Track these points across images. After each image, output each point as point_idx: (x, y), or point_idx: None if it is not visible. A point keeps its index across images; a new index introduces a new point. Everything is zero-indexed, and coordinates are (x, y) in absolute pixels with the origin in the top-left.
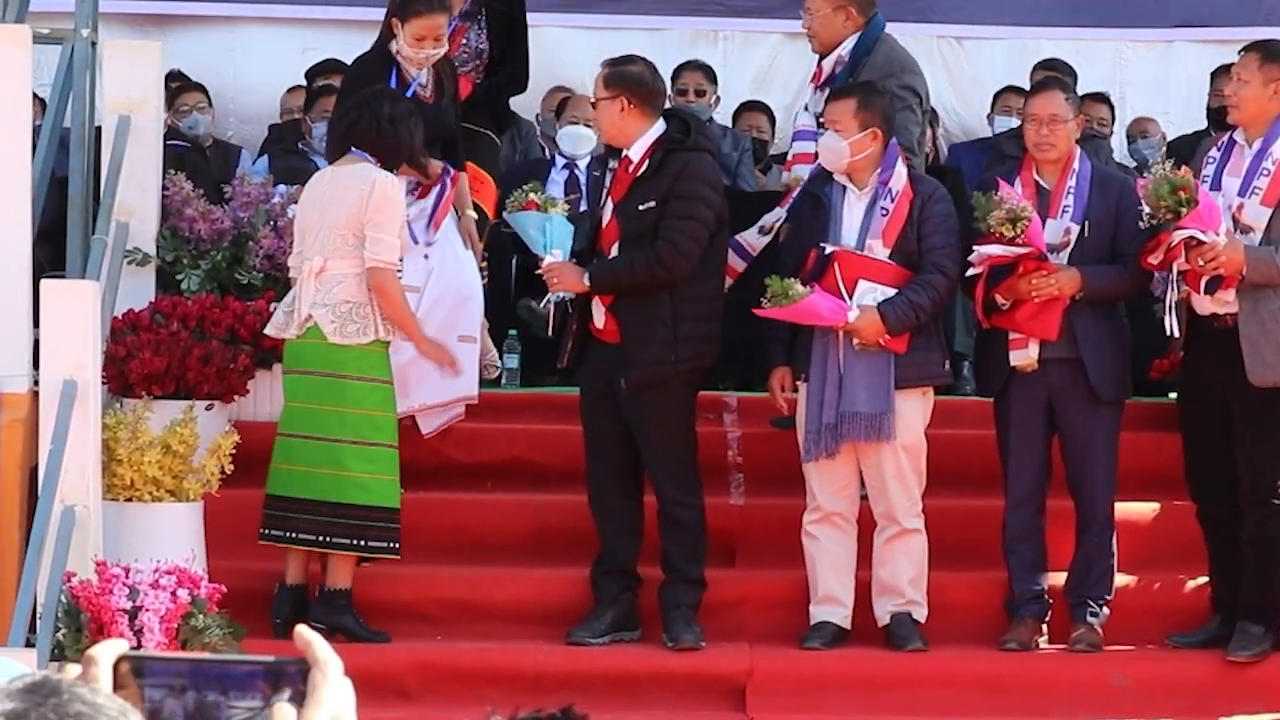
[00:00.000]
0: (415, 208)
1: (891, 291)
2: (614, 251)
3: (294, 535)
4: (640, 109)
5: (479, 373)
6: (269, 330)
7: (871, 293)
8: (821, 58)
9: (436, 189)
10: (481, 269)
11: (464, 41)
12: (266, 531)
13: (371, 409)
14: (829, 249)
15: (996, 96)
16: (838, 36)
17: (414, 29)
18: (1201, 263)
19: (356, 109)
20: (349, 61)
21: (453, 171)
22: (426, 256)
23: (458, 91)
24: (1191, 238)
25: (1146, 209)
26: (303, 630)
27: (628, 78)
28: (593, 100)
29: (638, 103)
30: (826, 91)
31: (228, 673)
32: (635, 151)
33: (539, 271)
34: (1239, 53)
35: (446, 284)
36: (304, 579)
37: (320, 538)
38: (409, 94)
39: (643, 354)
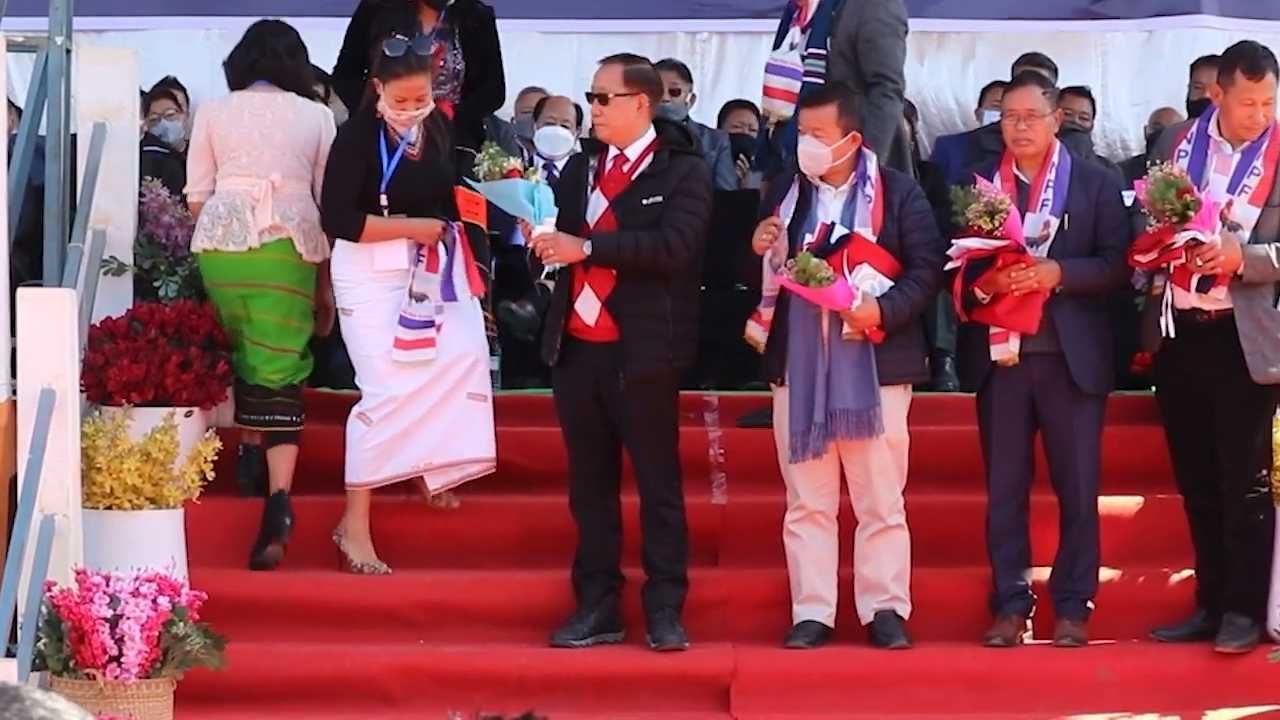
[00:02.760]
0: (424, 278)
1: (886, 280)
2: None
3: (271, 418)
4: (650, 108)
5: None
6: (203, 245)
7: (872, 279)
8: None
9: (444, 250)
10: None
11: (441, 63)
12: (246, 416)
13: (305, 323)
14: (842, 230)
15: (984, 91)
16: None
17: (394, 91)
18: (1200, 262)
19: (257, 46)
20: (322, 66)
21: (456, 225)
22: (436, 323)
23: (453, 147)
24: (1193, 238)
25: (1148, 213)
26: None
27: (647, 76)
28: (600, 94)
29: (651, 103)
30: (809, 31)
31: None
32: (633, 151)
33: (530, 244)
34: (1251, 77)
35: (461, 347)
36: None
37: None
38: (397, 154)
39: (645, 350)
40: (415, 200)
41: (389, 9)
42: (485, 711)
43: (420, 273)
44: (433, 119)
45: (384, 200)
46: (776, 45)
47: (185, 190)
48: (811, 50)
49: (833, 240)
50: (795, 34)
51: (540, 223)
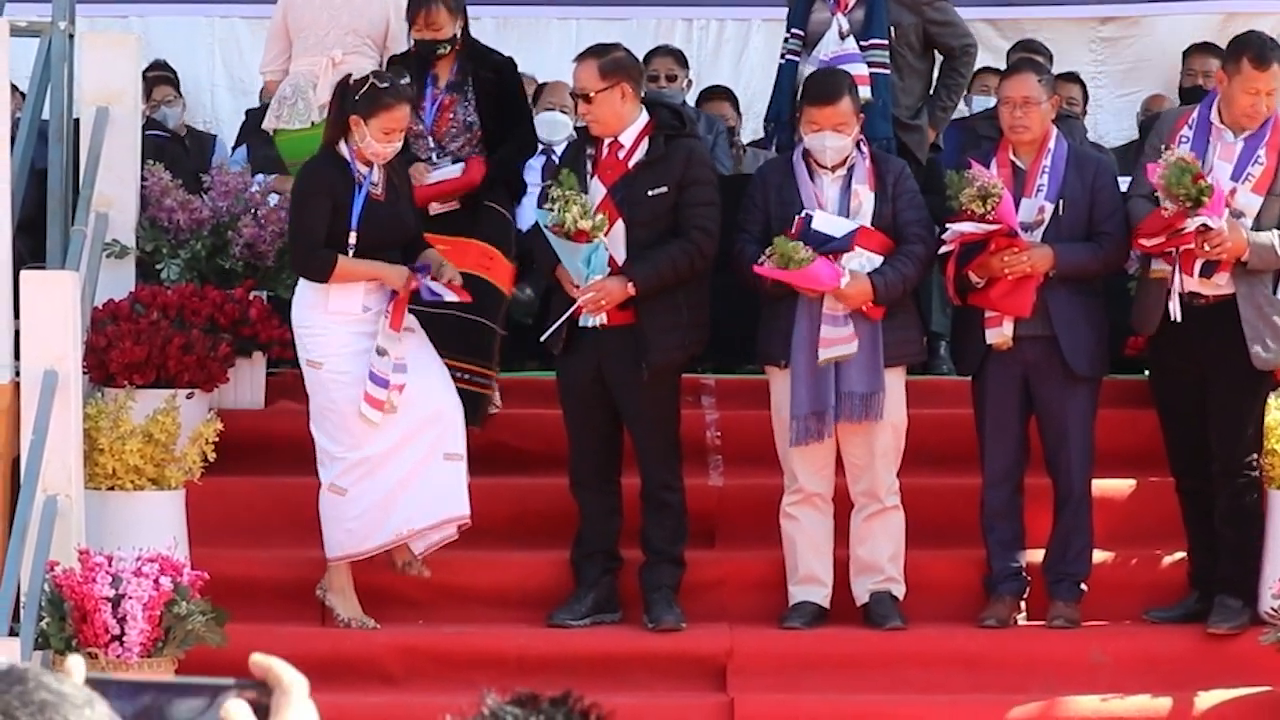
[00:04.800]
0: (387, 336)
1: (878, 258)
2: (616, 232)
3: None
4: (635, 94)
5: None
6: (271, 124)
7: (857, 258)
8: None
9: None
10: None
11: (451, 116)
12: None
13: None
14: (848, 225)
15: (973, 77)
16: None
17: (382, 123)
18: (1208, 248)
19: None
20: None
21: (427, 267)
22: (392, 383)
23: (413, 191)
24: (1203, 224)
25: (1162, 197)
26: (258, 658)
27: (624, 65)
28: (583, 93)
29: (634, 88)
30: (848, 17)
31: (183, 690)
32: (628, 137)
33: (579, 300)
34: (1258, 68)
35: (435, 403)
36: None
37: None
38: (361, 194)
39: (664, 340)
40: (381, 240)
41: (404, 62)
42: (520, 689)
43: (384, 329)
44: (392, 164)
45: (352, 239)
46: (794, 26)
47: (260, 69)
48: (873, 41)
49: (839, 234)
50: (842, 21)
51: (586, 281)
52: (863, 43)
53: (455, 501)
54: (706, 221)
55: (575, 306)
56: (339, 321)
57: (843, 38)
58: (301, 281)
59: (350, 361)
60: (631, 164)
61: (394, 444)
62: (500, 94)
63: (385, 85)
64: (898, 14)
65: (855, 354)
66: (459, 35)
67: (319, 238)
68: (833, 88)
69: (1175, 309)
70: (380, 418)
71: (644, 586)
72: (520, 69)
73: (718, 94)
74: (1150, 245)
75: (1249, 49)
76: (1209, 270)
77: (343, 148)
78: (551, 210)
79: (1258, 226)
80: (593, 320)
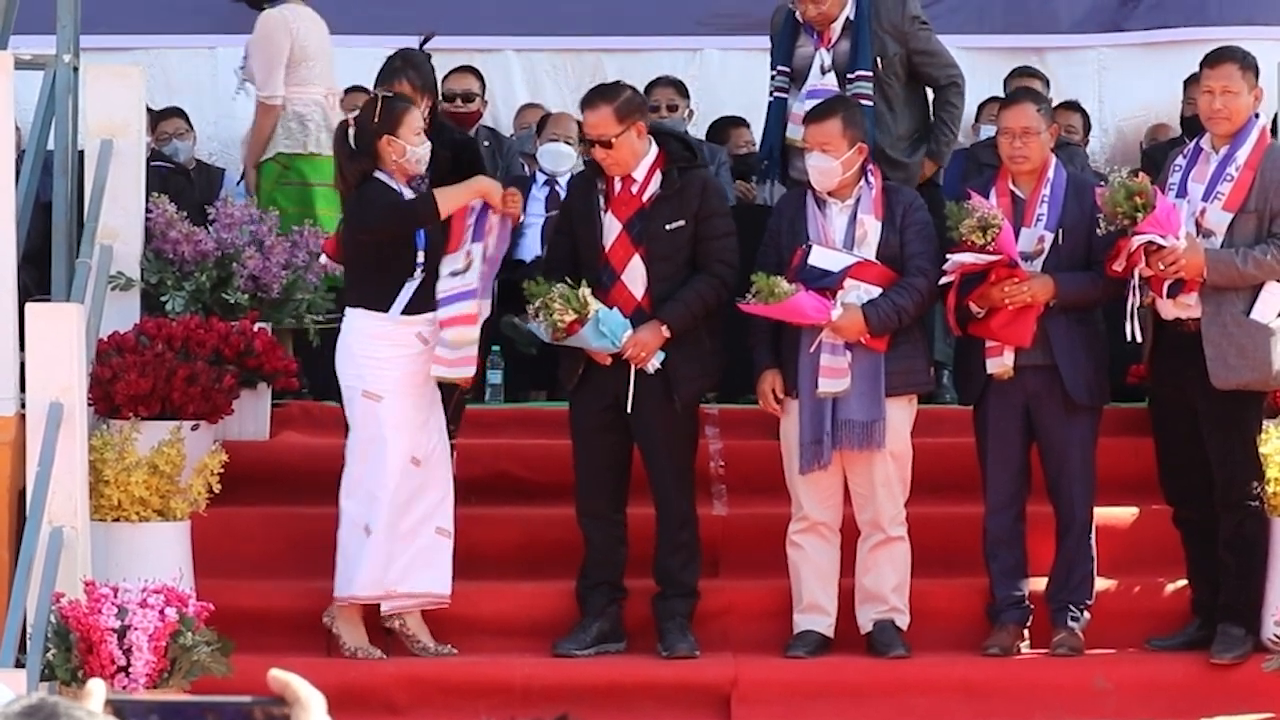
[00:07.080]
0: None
1: (876, 291)
2: (633, 267)
3: None
4: (645, 127)
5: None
6: (313, 148)
7: (855, 290)
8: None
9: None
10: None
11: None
12: None
13: None
14: (845, 259)
15: (981, 107)
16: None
17: (410, 126)
18: (1162, 266)
19: None
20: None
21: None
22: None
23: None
24: (1151, 242)
25: (1103, 217)
26: (277, 673)
27: (636, 104)
28: (602, 140)
29: (645, 124)
30: (832, 52)
31: (203, 714)
32: (640, 171)
33: (627, 357)
34: (1209, 65)
35: (438, 477)
36: None
37: None
38: None
39: (689, 369)
40: (441, 254)
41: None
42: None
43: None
44: (423, 178)
45: (420, 257)
46: (780, 63)
47: (265, 94)
48: (859, 73)
49: (835, 269)
50: (825, 57)
51: (620, 341)
52: (849, 75)
53: (440, 581)
54: (727, 254)
55: (632, 371)
56: (403, 353)
57: (824, 73)
58: (360, 310)
59: (413, 409)
60: (646, 198)
61: (405, 499)
62: (455, 173)
63: (391, 95)
64: (884, 44)
65: (850, 388)
66: (427, 113)
67: (397, 201)
68: (823, 107)
69: (1133, 329)
70: (450, 374)
71: (657, 615)
72: (525, 101)
73: (735, 123)
74: (1118, 270)
75: (1209, 54)
76: (1175, 290)
77: (380, 175)
78: (540, 324)
79: (1229, 244)
80: (651, 366)
